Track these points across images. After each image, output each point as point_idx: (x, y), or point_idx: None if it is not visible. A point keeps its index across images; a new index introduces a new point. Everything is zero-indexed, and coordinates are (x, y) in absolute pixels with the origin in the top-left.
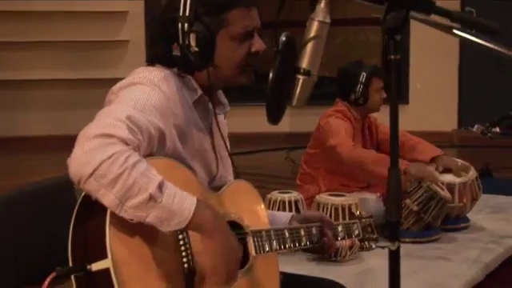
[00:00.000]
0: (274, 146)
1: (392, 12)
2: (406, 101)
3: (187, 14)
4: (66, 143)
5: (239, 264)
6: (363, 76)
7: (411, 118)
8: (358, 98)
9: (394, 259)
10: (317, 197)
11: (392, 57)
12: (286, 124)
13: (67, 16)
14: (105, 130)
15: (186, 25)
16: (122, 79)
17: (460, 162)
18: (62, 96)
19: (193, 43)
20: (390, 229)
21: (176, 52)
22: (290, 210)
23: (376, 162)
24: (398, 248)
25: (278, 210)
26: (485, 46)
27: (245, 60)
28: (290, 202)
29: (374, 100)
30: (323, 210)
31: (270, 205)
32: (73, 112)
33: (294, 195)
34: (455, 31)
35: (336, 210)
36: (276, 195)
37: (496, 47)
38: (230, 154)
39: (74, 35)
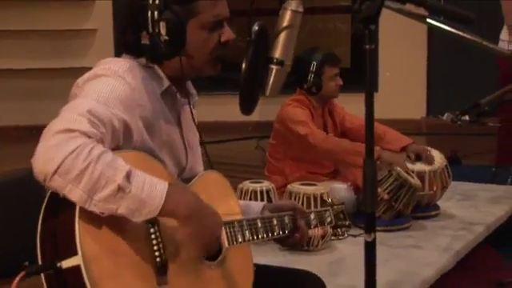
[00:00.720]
0: (244, 134)
1: (367, 1)
2: (375, 89)
3: (157, 1)
4: (36, 133)
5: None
6: (314, 65)
7: (380, 106)
8: (311, 87)
9: (370, 250)
10: (288, 186)
11: (367, 46)
12: (256, 113)
13: (34, 5)
14: (66, 125)
15: (155, 13)
16: (89, 68)
17: (429, 149)
18: (29, 86)
19: (163, 32)
20: (366, 220)
21: (145, 41)
22: (262, 200)
23: (351, 152)
24: (374, 239)
25: (250, 199)
26: (457, 35)
27: (215, 50)
28: (261, 192)
29: (329, 88)
30: (295, 200)
31: (242, 194)
32: (40, 102)
33: (265, 185)
34: (429, 20)
35: (308, 199)
36: (248, 185)
37: (470, 36)
38: (202, 143)
39: (40, 24)
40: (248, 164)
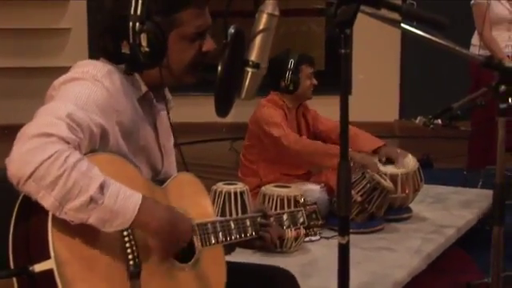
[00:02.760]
0: (218, 136)
1: (343, 6)
2: (348, 92)
3: (139, 12)
4: (8, 133)
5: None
6: (291, 62)
7: (354, 109)
8: (288, 84)
9: (345, 252)
10: (262, 188)
11: (342, 51)
12: (230, 114)
13: (7, 3)
14: (44, 129)
15: (137, 24)
16: (63, 68)
17: (400, 151)
18: (1, 85)
19: (144, 43)
20: (340, 222)
21: (125, 50)
22: (236, 202)
23: (322, 154)
24: (348, 242)
25: (224, 201)
26: (431, 40)
27: (194, 59)
28: (235, 194)
29: (305, 86)
30: (269, 202)
31: (216, 196)
32: (13, 101)
33: (239, 186)
34: (403, 25)
35: (281, 201)
36: (221, 187)
37: (443, 42)
38: (177, 145)
39: (14, 22)
40: (221, 165)
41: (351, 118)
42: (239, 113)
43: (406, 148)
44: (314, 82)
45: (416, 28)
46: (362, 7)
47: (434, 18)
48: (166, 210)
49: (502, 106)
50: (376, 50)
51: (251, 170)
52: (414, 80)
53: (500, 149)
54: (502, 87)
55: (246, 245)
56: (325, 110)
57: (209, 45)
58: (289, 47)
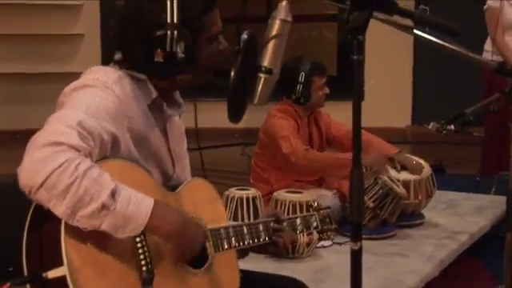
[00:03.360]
0: (230, 141)
1: (355, 12)
2: (362, 98)
3: (175, 20)
4: (20, 138)
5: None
6: (302, 76)
7: (366, 114)
8: (299, 97)
9: (357, 258)
10: (274, 194)
11: (355, 57)
12: (242, 120)
13: (21, 8)
14: (55, 137)
15: (175, 32)
16: (76, 74)
17: (415, 159)
18: (15, 90)
19: (180, 50)
20: (353, 228)
21: (158, 58)
22: (248, 207)
23: (331, 166)
24: (361, 248)
25: (236, 207)
26: (444, 46)
27: (216, 60)
28: (247, 199)
29: (316, 97)
30: (281, 207)
31: (228, 201)
32: (25, 107)
33: (251, 192)
34: (416, 31)
35: (294, 206)
36: (234, 192)
37: (456, 48)
38: (195, 149)
39: (27, 28)
40: (234, 171)
41: (363, 123)
42: (251, 118)
43: (419, 154)
44: (326, 91)
45: (428, 34)
46: (375, 13)
47: (446, 25)
48: (178, 214)
49: None
50: (388, 55)
51: (263, 177)
52: (426, 85)
53: None
54: None
55: (260, 250)
56: (337, 115)
57: (224, 44)
58: (301, 54)
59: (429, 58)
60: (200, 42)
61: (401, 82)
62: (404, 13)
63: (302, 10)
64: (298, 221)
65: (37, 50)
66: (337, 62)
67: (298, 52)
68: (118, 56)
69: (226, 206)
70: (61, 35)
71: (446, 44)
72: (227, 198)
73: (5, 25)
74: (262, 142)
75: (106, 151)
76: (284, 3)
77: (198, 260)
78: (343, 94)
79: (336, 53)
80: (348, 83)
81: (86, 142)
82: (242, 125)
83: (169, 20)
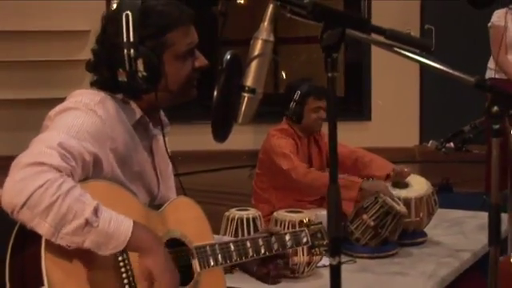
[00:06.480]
0: (238, 163)
1: (328, 30)
2: (368, 117)
3: (131, 39)
4: None
5: (178, 283)
6: (297, 94)
7: (374, 135)
8: (291, 115)
9: (336, 273)
10: (274, 214)
11: (329, 74)
12: (250, 141)
13: (29, 35)
14: (36, 158)
15: (131, 50)
16: None
17: (415, 176)
18: (22, 116)
19: (140, 68)
20: (331, 243)
21: (122, 78)
22: (248, 228)
23: None
24: (339, 263)
25: (236, 227)
26: (423, 63)
27: (189, 77)
28: (247, 220)
29: (310, 119)
30: (281, 227)
31: (228, 222)
32: (32, 132)
33: (251, 212)
34: (396, 49)
35: (293, 226)
36: (234, 212)
37: (434, 64)
38: (177, 175)
39: (35, 54)
40: (240, 192)
41: (371, 143)
42: (260, 140)
43: (427, 173)
44: (322, 115)
45: (413, 53)
46: (353, 32)
47: (418, 41)
48: (153, 233)
49: (495, 126)
50: (395, 76)
51: (263, 198)
52: (434, 104)
53: (494, 169)
54: (495, 108)
55: (246, 269)
56: (344, 135)
57: (201, 61)
58: (309, 76)
59: (436, 77)
60: (166, 60)
61: (408, 102)
62: (376, 30)
63: (310, 31)
64: (287, 237)
65: (45, 76)
66: (344, 82)
67: (306, 72)
68: (92, 78)
69: (226, 227)
70: (68, 61)
71: (425, 61)
72: (227, 219)
73: (12, 52)
74: (261, 161)
75: (89, 171)
76: (265, 24)
77: (184, 277)
78: (350, 114)
79: (344, 73)
80: (355, 104)
81: (67, 162)
82: (250, 146)
83: (125, 39)
